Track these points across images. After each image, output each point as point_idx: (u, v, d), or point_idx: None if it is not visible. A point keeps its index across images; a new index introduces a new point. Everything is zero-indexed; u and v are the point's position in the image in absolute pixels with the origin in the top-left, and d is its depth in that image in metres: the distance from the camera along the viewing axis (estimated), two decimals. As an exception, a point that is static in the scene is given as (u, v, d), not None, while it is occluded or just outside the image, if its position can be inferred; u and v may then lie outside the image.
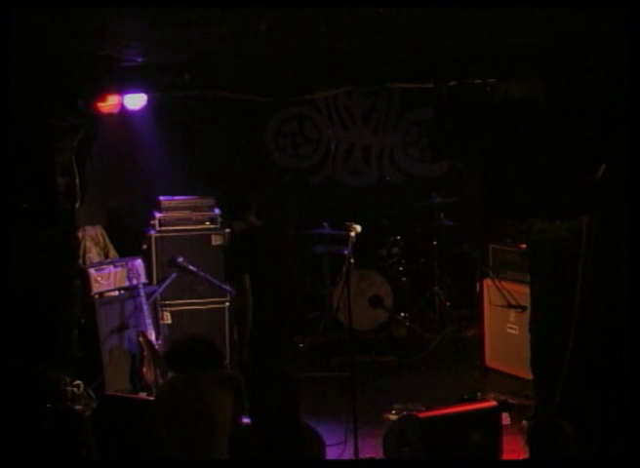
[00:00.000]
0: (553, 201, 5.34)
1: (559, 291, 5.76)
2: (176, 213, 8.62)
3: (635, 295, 5.09)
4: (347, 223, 6.42)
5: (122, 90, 6.70)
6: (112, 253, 8.84)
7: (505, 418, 6.35)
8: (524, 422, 6.50)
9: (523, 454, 5.93)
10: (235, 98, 7.09)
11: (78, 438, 4.62)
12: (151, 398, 6.40)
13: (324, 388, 7.72)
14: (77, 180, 6.67)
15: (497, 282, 7.90)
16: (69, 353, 6.87)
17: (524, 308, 7.36)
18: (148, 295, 7.98)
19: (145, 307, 7.82)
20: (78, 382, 6.83)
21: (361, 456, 5.97)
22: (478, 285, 8.27)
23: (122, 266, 7.95)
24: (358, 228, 6.37)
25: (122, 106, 7.00)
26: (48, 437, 4.74)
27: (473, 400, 6.93)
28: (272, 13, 4.88)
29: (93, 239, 8.68)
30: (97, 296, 7.66)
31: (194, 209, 8.72)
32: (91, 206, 7.79)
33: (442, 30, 5.40)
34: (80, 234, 7.53)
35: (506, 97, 5.83)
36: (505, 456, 5.81)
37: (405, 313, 9.45)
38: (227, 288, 8.52)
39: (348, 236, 6.38)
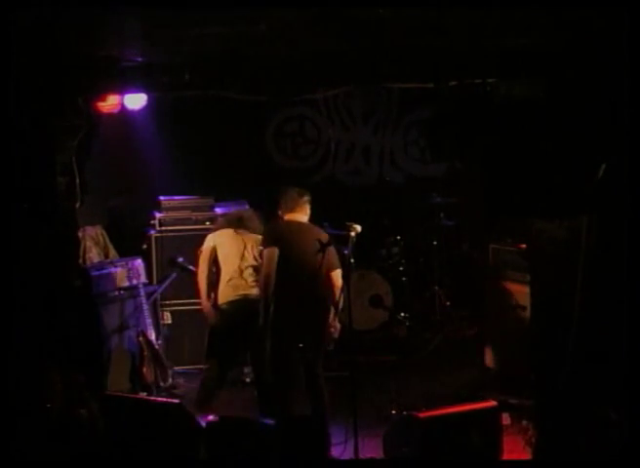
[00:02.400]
0: (553, 201, 5.34)
1: (559, 291, 5.76)
2: (176, 213, 8.62)
3: (635, 295, 5.09)
4: (347, 223, 6.42)
5: (122, 90, 6.71)
6: (112, 252, 8.83)
7: (505, 418, 6.34)
8: (524, 422, 6.49)
9: (523, 454, 5.94)
10: (235, 98, 7.09)
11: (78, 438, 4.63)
12: (151, 398, 6.40)
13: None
14: (77, 180, 6.67)
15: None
16: (69, 353, 6.86)
17: (524, 308, 7.35)
18: (148, 295, 7.98)
19: (145, 307, 7.82)
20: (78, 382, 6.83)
21: (361, 456, 5.97)
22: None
23: (122, 266, 7.95)
24: (358, 228, 6.36)
25: (122, 106, 7.00)
26: (49, 437, 4.75)
27: (473, 400, 6.93)
28: (272, 13, 4.88)
29: (93, 239, 8.68)
30: (97, 296, 7.65)
31: (194, 209, 8.72)
32: (91, 206, 7.78)
33: (442, 30, 5.40)
34: (80, 234, 7.53)
35: (506, 97, 5.84)
36: (505, 456, 5.80)
37: (405, 313, 9.45)
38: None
39: (348, 236, 6.38)
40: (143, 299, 7.83)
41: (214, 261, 6.94)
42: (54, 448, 5.20)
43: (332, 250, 6.37)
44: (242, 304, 6.75)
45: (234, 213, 7.47)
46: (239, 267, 6.86)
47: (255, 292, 6.71)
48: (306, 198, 6.71)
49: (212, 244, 7.00)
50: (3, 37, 4.91)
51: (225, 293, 6.83)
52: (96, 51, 5.98)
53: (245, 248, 6.93)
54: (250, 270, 6.87)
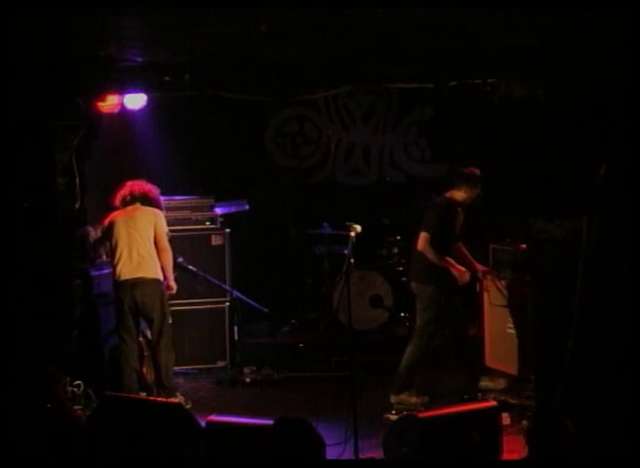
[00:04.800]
0: (553, 201, 5.34)
1: (559, 291, 5.76)
2: (176, 213, 8.62)
3: (635, 295, 5.09)
4: (347, 223, 6.42)
5: (122, 90, 6.71)
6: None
7: (505, 418, 6.34)
8: (524, 422, 6.49)
9: (523, 454, 5.93)
10: (235, 98, 7.09)
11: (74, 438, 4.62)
12: (151, 398, 6.41)
13: (324, 388, 7.72)
14: (77, 180, 6.67)
15: (497, 282, 7.89)
16: (69, 353, 6.86)
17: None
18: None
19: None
20: (78, 382, 6.83)
21: (361, 456, 5.97)
22: (478, 285, 8.27)
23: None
24: (358, 228, 6.36)
25: (122, 106, 7.00)
26: (46, 437, 4.74)
27: (473, 400, 6.93)
28: (272, 13, 4.88)
29: (93, 239, 8.66)
30: (97, 296, 7.64)
31: (194, 209, 8.72)
32: (91, 206, 7.79)
33: (442, 30, 5.41)
34: (80, 234, 7.53)
35: (506, 97, 5.84)
36: (505, 456, 5.80)
37: (405, 313, 9.44)
38: (227, 287, 8.52)
39: (348, 236, 6.38)
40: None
41: None
42: (53, 449, 5.19)
43: (431, 216, 7.24)
44: None
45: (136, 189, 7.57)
46: None
47: None
48: (460, 180, 7.23)
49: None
50: (3, 37, 4.91)
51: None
52: (96, 51, 5.99)
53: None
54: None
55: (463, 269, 7.21)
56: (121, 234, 7.25)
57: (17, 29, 4.94)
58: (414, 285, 7.35)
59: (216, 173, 9.75)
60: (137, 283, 7.21)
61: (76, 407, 6.67)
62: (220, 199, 8.85)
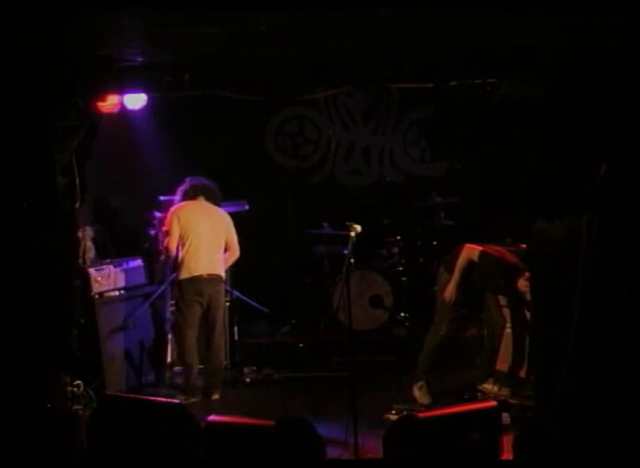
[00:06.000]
0: (553, 201, 5.35)
1: (559, 290, 5.76)
2: (176, 213, 8.60)
3: (635, 295, 5.10)
4: (347, 223, 6.43)
5: (122, 90, 6.71)
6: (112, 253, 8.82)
7: (505, 418, 6.34)
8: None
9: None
10: (235, 98, 7.09)
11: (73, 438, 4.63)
12: (151, 398, 6.40)
13: (324, 388, 7.72)
14: (77, 180, 6.66)
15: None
16: (69, 353, 6.86)
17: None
18: (148, 295, 7.98)
19: (146, 307, 7.82)
20: (78, 382, 6.83)
21: (361, 456, 5.97)
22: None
23: (122, 266, 7.95)
24: (358, 228, 6.37)
25: (122, 106, 7.00)
26: (44, 437, 4.75)
27: (473, 400, 6.92)
28: (272, 13, 4.88)
29: (92, 239, 8.66)
30: (97, 296, 7.64)
31: (194, 209, 8.70)
32: (91, 206, 7.78)
33: (442, 30, 5.41)
34: (80, 234, 7.53)
35: (506, 97, 5.84)
36: (505, 456, 5.80)
37: (405, 313, 9.45)
38: (227, 287, 8.52)
39: (348, 236, 6.38)
40: (144, 299, 7.85)
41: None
42: (52, 448, 5.20)
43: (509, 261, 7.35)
44: None
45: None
46: None
47: None
48: None
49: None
50: (3, 37, 4.92)
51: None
52: (96, 51, 5.99)
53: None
54: None
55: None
56: (199, 229, 7.58)
57: (17, 29, 4.94)
58: (440, 268, 7.73)
59: (215, 173, 9.74)
60: (213, 280, 7.57)
61: (76, 407, 6.67)
62: (221, 199, 8.85)
